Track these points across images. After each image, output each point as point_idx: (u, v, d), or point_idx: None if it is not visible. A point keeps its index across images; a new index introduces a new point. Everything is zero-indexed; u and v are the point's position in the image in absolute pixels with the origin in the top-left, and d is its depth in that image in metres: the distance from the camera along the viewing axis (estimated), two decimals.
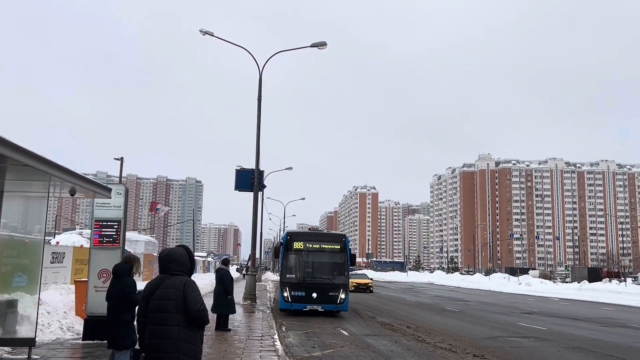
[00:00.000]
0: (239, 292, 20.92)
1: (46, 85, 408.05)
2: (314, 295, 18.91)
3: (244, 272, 62.40)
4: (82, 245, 23.10)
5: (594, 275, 69.57)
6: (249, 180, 24.61)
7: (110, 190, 10.15)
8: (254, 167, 24.48)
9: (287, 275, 19.44)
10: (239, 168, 26.46)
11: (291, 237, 20.12)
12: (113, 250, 11.11)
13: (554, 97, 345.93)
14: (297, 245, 19.68)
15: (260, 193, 26.26)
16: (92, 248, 11.22)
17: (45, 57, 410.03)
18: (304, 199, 50.78)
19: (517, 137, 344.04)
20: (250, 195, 24.47)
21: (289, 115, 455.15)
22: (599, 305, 30.68)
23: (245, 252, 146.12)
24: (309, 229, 23.01)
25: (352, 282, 32.56)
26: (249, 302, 21.75)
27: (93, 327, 10.83)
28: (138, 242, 42.49)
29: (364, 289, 38.57)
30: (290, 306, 19.13)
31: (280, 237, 23.25)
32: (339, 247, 19.87)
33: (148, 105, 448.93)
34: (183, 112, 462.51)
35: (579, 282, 58.22)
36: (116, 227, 11.21)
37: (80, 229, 46.40)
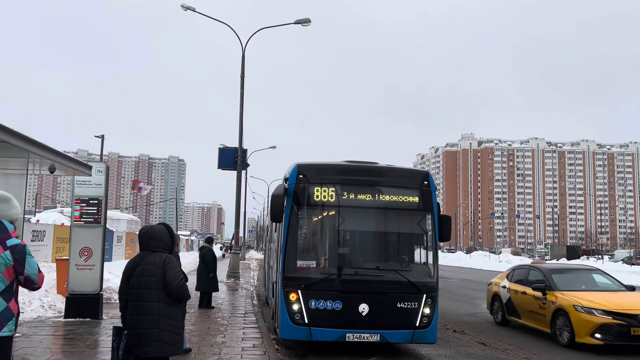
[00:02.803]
0: (222, 271, 20.95)
1: (17, 57, 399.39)
2: (363, 308, 8.34)
3: (223, 251, 62.53)
4: (63, 224, 22.91)
5: (573, 253, 70.88)
6: (232, 159, 24.48)
7: (90, 167, 10.03)
8: (237, 146, 24.35)
9: (299, 263, 8.75)
10: (222, 146, 26.30)
11: (309, 175, 8.79)
12: (94, 228, 11.05)
13: (539, 76, 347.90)
14: (324, 193, 8.66)
15: (243, 172, 26.19)
16: (73, 226, 11.14)
17: (15, 25, 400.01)
18: (274, 147, 50.10)
19: (501, 116, 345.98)
20: (234, 174, 24.39)
21: (273, 93, 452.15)
22: None
23: (229, 231, 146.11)
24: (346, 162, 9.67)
25: None
26: (232, 280, 21.81)
27: (75, 305, 10.82)
28: (120, 220, 42.27)
29: None
30: (306, 334, 8.41)
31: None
32: (415, 198, 8.90)
33: (127, 82, 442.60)
34: (164, 89, 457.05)
35: (557, 260, 59.30)
36: (97, 205, 11.12)
37: (61, 207, 45.93)
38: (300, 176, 8.72)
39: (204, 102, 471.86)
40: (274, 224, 11.12)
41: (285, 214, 8.57)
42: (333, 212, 8.73)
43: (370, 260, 9.06)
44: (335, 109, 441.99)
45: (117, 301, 9.55)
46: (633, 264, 51.51)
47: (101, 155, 42.65)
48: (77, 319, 10.66)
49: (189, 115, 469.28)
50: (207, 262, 13.65)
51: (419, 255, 9.21)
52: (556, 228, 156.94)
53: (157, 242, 4.93)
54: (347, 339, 8.30)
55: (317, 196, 8.61)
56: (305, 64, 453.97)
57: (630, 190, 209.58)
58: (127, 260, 5.24)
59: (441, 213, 9.12)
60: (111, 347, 4.98)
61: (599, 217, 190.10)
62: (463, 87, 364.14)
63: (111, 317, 11.06)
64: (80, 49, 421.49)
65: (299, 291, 8.33)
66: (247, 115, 23.74)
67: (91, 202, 11.11)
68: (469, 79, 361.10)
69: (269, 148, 51.99)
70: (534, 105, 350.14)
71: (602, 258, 65.22)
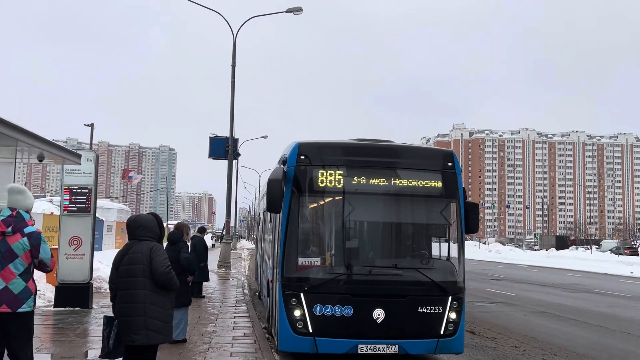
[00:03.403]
0: (213, 260, 20.94)
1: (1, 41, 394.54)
2: (378, 314, 7.10)
3: (214, 241, 62.41)
4: (52, 213, 22.76)
5: (562, 243, 71.60)
6: (223, 148, 24.39)
7: (79, 156, 9.98)
8: (228, 135, 24.25)
9: (301, 261, 7.44)
10: (212, 136, 26.20)
11: (312, 155, 7.40)
12: (84, 217, 10.99)
13: (530, 66, 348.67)
14: (330, 177, 7.29)
15: (234, 161, 26.13)
16: (63, 215, 11.07)
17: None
18: (266, 136, 50.10)
19: (492, 106, 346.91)
20: (225, 163, 24.31)
21: (264, 82, 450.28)
22: (565, 272, 31.61)
23: (220, 221, 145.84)
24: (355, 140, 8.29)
25: None
26: (223, 269, 21.81)
27: (64, 294, 10.79)
28: (110, 209, 42.03)
29: None
30: (310, 345, 7.09)
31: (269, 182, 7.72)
32: (438, 182, 7.61)
33: (118, 70, 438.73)
34: (155, 78, 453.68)
35: (547, 250, 59.82)
36: (87, 194, 11.05)
37: (50, 196, 45.64)
38: (302, 157, 7.25)
39: (195, 91, 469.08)
40: (267, 212, 10.32)
41: (284, 203, 7.17)
42: (341, 200, 7.36)
43: (386, 256, 7.78)
44: (327, 99, 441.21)
45: (107, 290, 9.59)
46: (621, 254, 52.10)
47: (91, 144, 42.35)
48: (66, 308, 10.62)
49: (181, 104, 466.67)
50: (199, 251, 13.65)
51: (443, 250, 7.85)
52: (546, 218, 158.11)
53: (144, 230, 4.95)
54: (359, 351, 6.94)
55: (322, 181, 7.18)
56: (297, 53, 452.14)
57: (619, 181, 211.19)
58: (118, 249, 5.28)
59: (467, 200, 7.84)
60: (102, 337, 4.98)
61: (588, 208, 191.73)
62: (455, 78, 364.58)
63: (101, 306, 11.04)
64: (68, 34, 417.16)
65: (302, 294, 6.98)
66: (238, 105, 23.63)
67: (81, 191, 11.03)
68: (462, 69, 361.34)
69: (260, 138, 51.87)
70: (525, 96, 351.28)
71: (591, 248, 65.85)
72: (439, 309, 7.23)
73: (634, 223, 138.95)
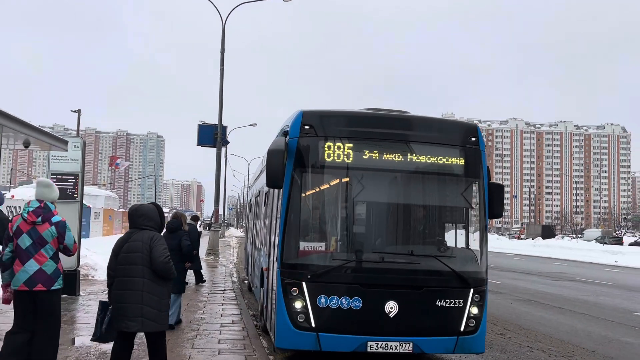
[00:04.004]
0: (201, 248, 20.87)
1: None
2: (391, 308, 6.29)
3: (201, 229, 62.32)
4: None
5: (548, 232, 72.27)
6: (212, 136, 24.29)
7: (66, 142, 9.87)
8: (217, 123, 24.12)
9: (304, 245, 6.61)
10: (201, 123, 26.04)
11: (318, 126, 6.52)
12: (71, 204, 10.89)
13: (520, 56, 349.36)
14: (337, 151, 6.43)
15: (223, 149, 26.01)
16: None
17: None
18: (255, 124, 49.87)
19: (481, 96, 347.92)
20: (213, 151, 24.22)
21: (254, 69, 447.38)
22: (551, 261, 31.99)
23: (208, 209, 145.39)
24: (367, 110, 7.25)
25: None
26: (212, 257, 21.80)
27: None
28: (98, 197, 41.80)
29: None
30: (313, 341, 6.25)
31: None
32: (460, 159, 6.78)
33: (106, 56, 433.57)
34: (143, 64, 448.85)
35: (533, 239, 60.40)
36: (74, 180, 10.97)
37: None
38: (306, 127, 6.42)
39: (184, 77, 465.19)
40: (261, 194, 9.96)
41: (285, 179, 6.32)
42: (350, 177, 6.53)
43: (400, 242, 6.91)
44: (317, 87, 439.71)
45: (94, 278, 9.54)
46: (605, 243, 52.81)
47: (78, 130, 41.96)
48: None
49: (169, 90, 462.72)
50: (193, 239, 13.76)
51: (463, 236, 7.02)
52: (532, 208, 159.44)
53: (145, 219, 5.04)
54: (368, 349, 6.17)
55: (329, 155, 6.35)
56: (287, 40, 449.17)
57: (605, 171, 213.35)
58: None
59: (493, 182, 7.04)
60: (95, 321, 5.08)
61: (574, 198, 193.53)
62: (444, 67, 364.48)
63: (88, 293, 11.00)
64: (54, 19, 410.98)
65: (304, 283, 6.17)
66: (227, 92, 23.44)
67: (67, 177, 10.95)
68: (451, 59, 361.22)
69: (250, 125, 51.60)
70: (514, 86, 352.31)
71: (577, 237, 66.62)
72: (459, 302, 6.46)
73: (619, 213, 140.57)
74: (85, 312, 9.19)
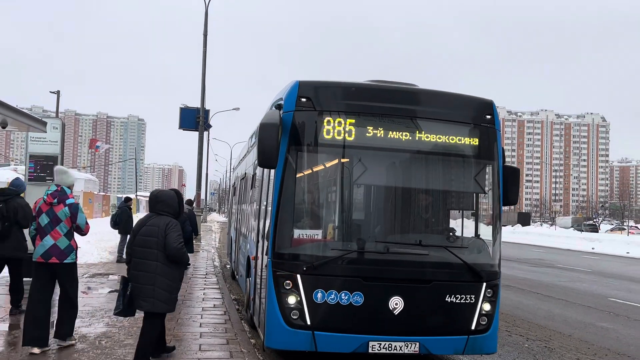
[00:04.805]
0: None
1: None
2: (396, 304, 5.68)
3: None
4: None
5: (524, 219, 73.09)
6: (194, 119, 24.13)
7: (45, 123, 9.74)
8: (199, 106, 23.92)
9: (298, 233, 5.91)
10: (183, 107, 25.79)
11: (316, 98, 5.79)
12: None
13: (504, 44, 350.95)
14: (338, 127, 5.74)
15: (205, 133, 25.81)
16: (28, 184, 10.79)
17: None
18: (238, 108, 49.36)
19: (464, 84, 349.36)
20: (195, 135, 24.05)
21: (236, 52, 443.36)
22: (529, 248, 32.42)
23: (190, 193, 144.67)
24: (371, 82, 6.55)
25: None
26: (193, 241, 21.70)
27: (30, 266, 10.56)
28: (78, 180, 41.21)
29: None
30: (308, 341, 5.61)
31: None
32: (473, 139, 6.15)
33: (86, 38, 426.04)
34: (124, 46, 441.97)
35: (512, 226, 61.22)
36: (53, 163, 10.80)
37: (15, 164, 44.51)
38: (303, 100, 5.71)
39: (165, 59, 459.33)
40: (247, 177, 9.48)
41: (280, 155, 5.59)
42: (351, 157, 5.82)
43: (407, 230, 6.27)
44: (301, 71, 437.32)
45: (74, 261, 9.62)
46: (582, 231, 53.81)
47: (57, 111, 41.27)
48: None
49: (149, 73, 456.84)
50: (193, 224, 14.21)
51: (474, 225, 6.30)
52: None
53: (164, 206, 5.35)
54: (370, 350, 5.59)
55: (328, 131, 5.67)
56: (270, 23, 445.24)
57: (584, 160, 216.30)
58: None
59: (509, 165, 6.45)
60: (117, 295, 5.42)
61: (554, 186, 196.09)
62: (423, 53, 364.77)
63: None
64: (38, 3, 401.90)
65: (298, 276, 5.54)
66: (209, 75, 23.20)
67: (46, 160, 10.78)
68: (429, 45, 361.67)
69: (232, 110, 51.17)
70: (495, 75, 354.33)
71: (555, 224, 67.69)
72: (470, 298, 5.86)
73: (596, 201, 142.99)
74: None
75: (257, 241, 6.95)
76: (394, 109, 5.91)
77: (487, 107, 6.26)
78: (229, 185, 19.63)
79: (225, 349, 6.30)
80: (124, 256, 11.25)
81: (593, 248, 32.80)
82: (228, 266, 15.26)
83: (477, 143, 6.09)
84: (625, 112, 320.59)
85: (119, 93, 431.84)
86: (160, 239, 5.15)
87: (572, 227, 62.56)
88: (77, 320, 6.32)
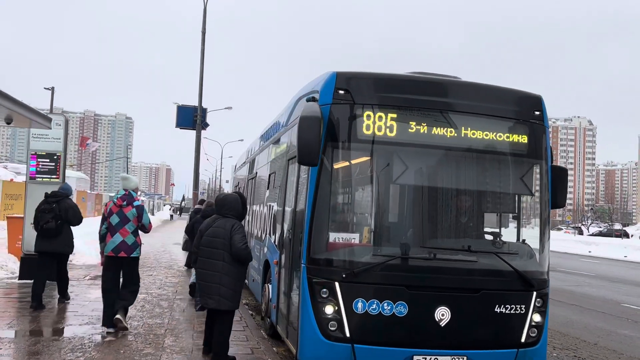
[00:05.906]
0: (179, 233, 20.38)
1: None
2: (442, 315, 5.24)
3: (172, 212, 61.24)
4: (12, 180, 21.61)
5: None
6: (191, 118, 23.62)
7: (50, 120, 9.39)
8: (196, 104, 23.47)
9: (335, 237, 5.41)
10: (179, 105, 25.31)
11: (356, 90, 5.34)
12: (52, 185, 10.28)
13: (492, 48, 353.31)
14: (379, 123, 5.29)
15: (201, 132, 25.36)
16: (29, 183, 10.38)
17: None
18: (230, 107, 48.95)
19: None
20: (185, 133, 23.86)
21: (229, 51, 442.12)
22: None
23: (178, 193, 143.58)
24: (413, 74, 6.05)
25: None
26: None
27: (30, 265, 10.11)
28: (69, 178, 40.49)
29: None
30: (347, 354, 5.17)
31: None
32: (522, 137, 5.69)
33: (74, 34, 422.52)
34: (111, 43, 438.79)
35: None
36: (56, 160, 10.40)
37: (6, 161, 43.76)
38: (340, 92, 5.27)
39: (153, 58, 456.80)
40: (259, 176, 9.11)
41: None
42: (393, 155, 5.46)
43: (452, 235, 5.83)
44: (294, 69, 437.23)
45: (72, 262, 10.43)
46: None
47: (51, 108, 40.58)
48: (32, 281, 9.98)
49: (136, 71, 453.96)
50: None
51: (522, 229, 5.89)
52: None
53: (229, 209, 5.66)
54: None
55: (368, 127, 5.24)
56: (261, 25, 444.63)
57: (571, 163, 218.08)
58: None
59: (557, 165, 6.05)
60: (195, 292, 6.03)
61: None
62: (410, 53, 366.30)
63: (69, 278, 10.43)
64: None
65: (337, 284, 5.11)
66: (197, 74, 22.74)
67: (49, 157, 10.37)
68: (414, 45, 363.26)
69: (225, 109, 50.59)
70: (482, 76, 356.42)
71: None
72: (520, 308, 5.44)
73: (583, 204, 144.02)
74: (66, 299, 8.70)
75: (281, 245, 6.56)
76: (438, 103, 5.47)
77: (536, 102, 5.82)
78: (219, 185, 19.06)
79: (251, 358, 6.00)
80: None
81: (590, 251, 32.83)
82: None
83: (525, 141, 5.65)
84: (609, 115, 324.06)
85: (106, 91, 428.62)
86: (226, 240, 5.46)
87: (556, 227, 63.06)
88: (88, 326, 6.91)
